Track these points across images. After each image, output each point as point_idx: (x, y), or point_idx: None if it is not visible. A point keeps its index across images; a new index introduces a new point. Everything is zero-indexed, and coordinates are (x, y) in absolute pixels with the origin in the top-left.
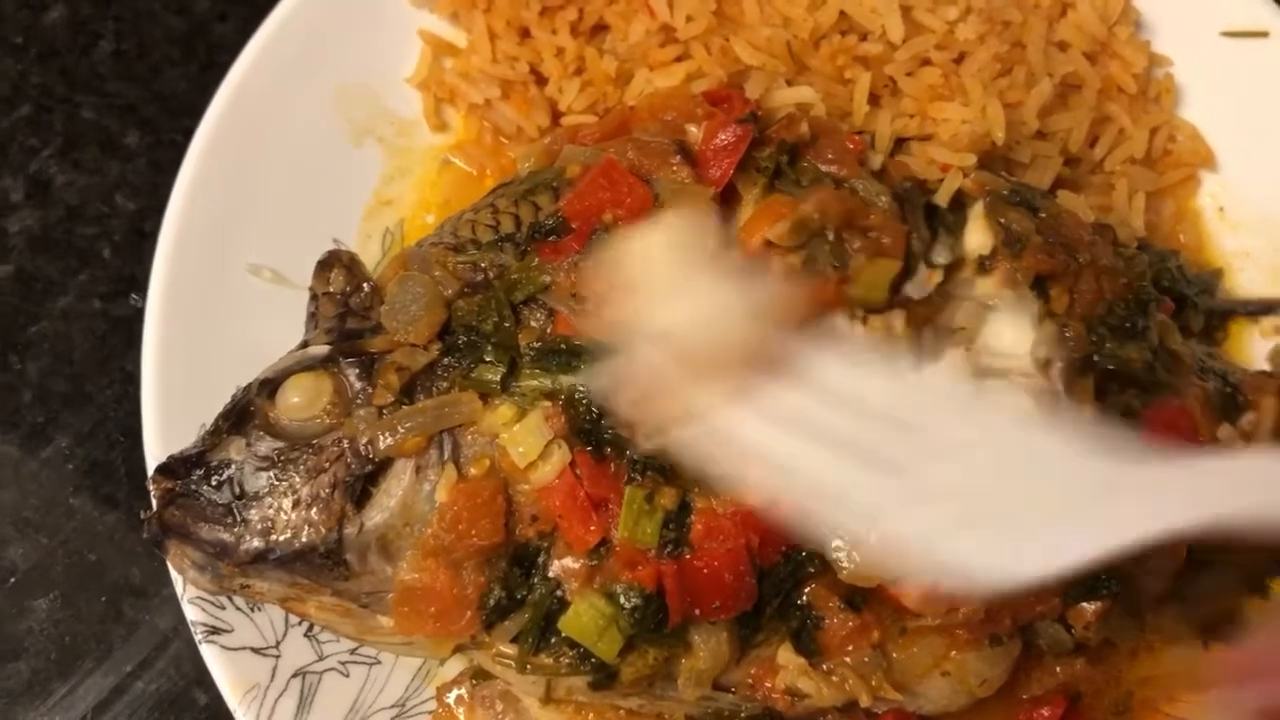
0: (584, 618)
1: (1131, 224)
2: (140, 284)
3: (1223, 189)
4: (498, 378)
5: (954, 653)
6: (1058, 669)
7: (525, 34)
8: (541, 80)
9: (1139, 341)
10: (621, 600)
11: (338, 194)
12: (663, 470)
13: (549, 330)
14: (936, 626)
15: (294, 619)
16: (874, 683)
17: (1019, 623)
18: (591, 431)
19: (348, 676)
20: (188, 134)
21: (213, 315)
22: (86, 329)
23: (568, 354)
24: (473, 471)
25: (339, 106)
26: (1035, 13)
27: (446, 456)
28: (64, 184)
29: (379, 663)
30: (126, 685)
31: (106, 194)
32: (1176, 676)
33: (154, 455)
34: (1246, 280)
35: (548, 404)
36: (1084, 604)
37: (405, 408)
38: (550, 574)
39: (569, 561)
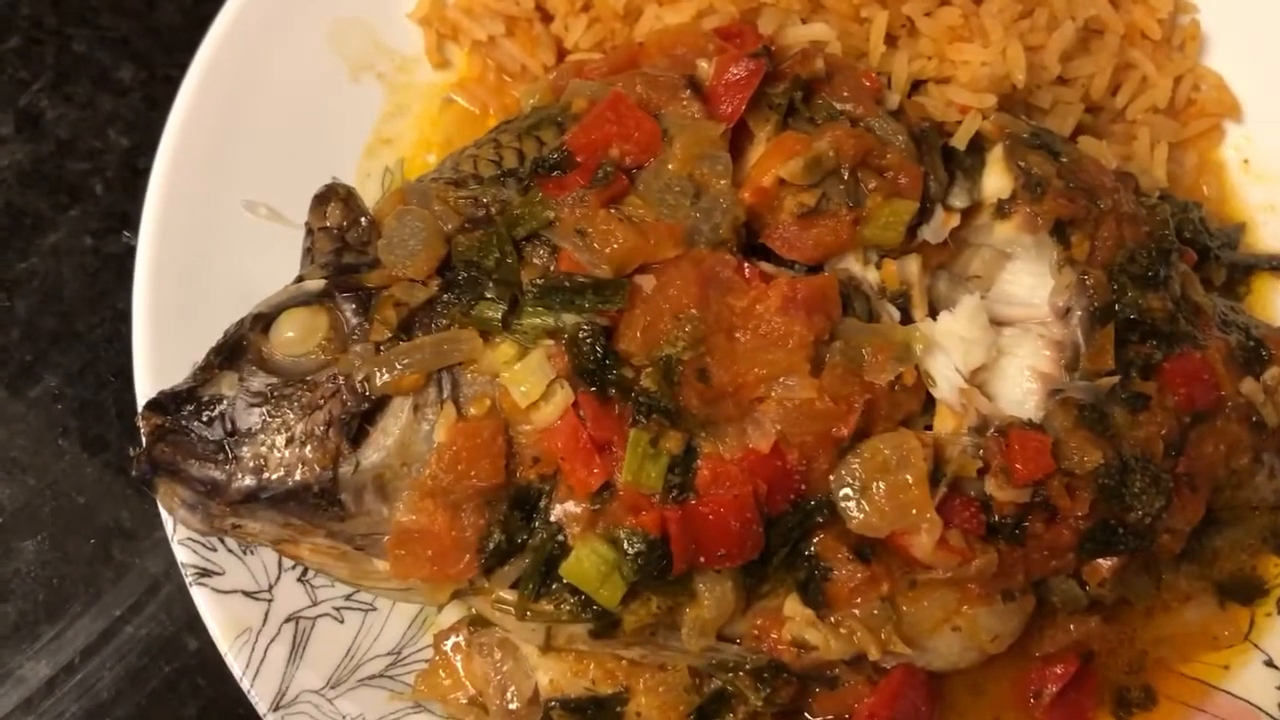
0: (585, 563)
1: (1153, 174)
2: (133, 221)
3: (1247, 140)
4: (499, 315)
5: (965, 607)
6: (1071, 626)
7: None
8: (547, 17)
9: (1160, 291)
10: (624, 546)
11: (336, 131)
12: (668, 413)
13: (552, 267)
14: (947, 580)
15: (287, 562)
16: (883, 636)
17: (1032, 578)
18: (595, 372)
19: (342, 623)
20: (183, 69)
21: (206, 252)
22: (77, 266)
23: (571, 291)
24: (472, 411)
25: (336, 41)
26: None
27: (445, 395)
28: (55, 118)
29: (375, 609)
30: (116, 629)
31: (99, 129)
32: (1192, 636)
33: (145, 395)
34: (1270, 234)
35: (550, 343)
36: (1099, 560)
37: (403, 344)
38: (551, 518)
39: (571, 505)
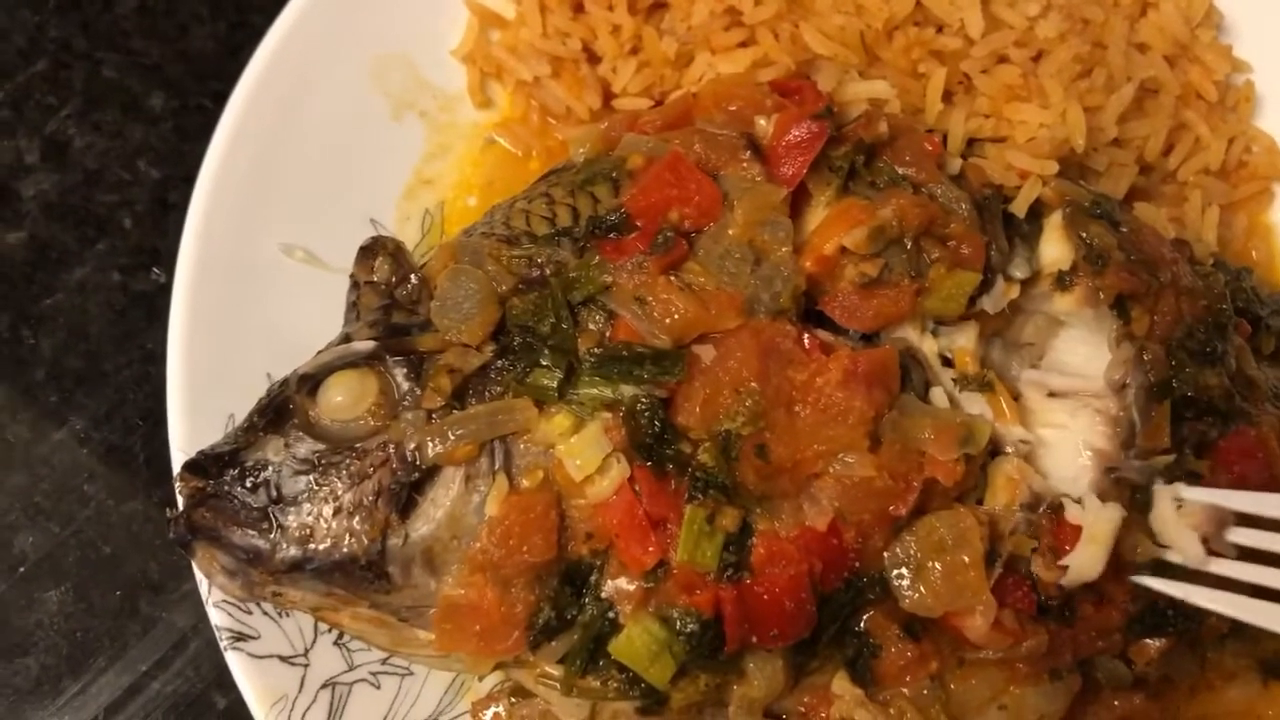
0: (636, 642)
1: (1204, 238)
2: (162, 257)
3: None
4: (555, 384)
5: (1013, 687)
6: (1115, 703)
7: (579, 8)
8: (594, 59)
9: (1217, 367)
10: (677, 625)
11: (376, 172)
12: (725, 489)
13: (608, 333)
14: (996, 659)
15: (323, 626)
16: (931, 714)
17: (1079, 657)
18: (652, 446)
19: (379, 688)
20: (216, 98)
21: (242, 296)
22: (104, 303)
23: (630, 361)
24: (525, 483)
25: (379, 77)
26: (1116, 11)
27: (498, 466)
28: (83, 147)
29: (411, 674)
30: (141, 685)
31: (128, 159)
32: (1235, 714)
33: (179, 444)
34: None
35: (607, 415)
36: (1148, 640)
37: (456, 413)
38: (602, 594)
39: (623, 582)
